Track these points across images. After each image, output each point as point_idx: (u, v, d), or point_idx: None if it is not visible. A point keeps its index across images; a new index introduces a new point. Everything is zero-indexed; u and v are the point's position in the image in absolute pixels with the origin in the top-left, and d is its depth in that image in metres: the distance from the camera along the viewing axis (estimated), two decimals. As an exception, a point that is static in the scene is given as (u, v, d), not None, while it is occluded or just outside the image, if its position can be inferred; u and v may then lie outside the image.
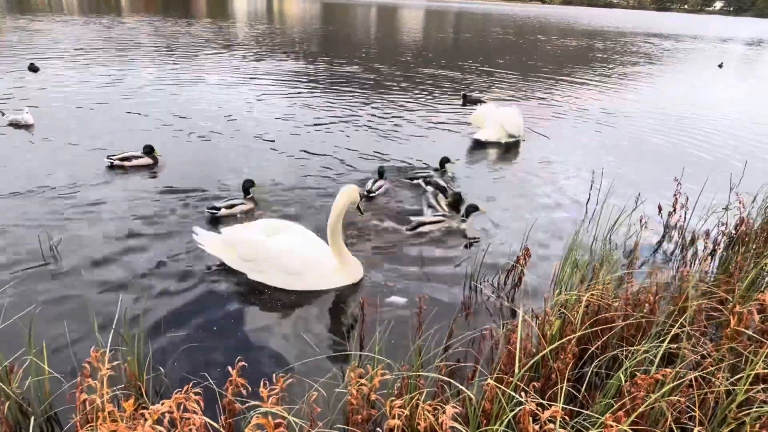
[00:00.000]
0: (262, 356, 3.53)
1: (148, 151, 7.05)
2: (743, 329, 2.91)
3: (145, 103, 10.54)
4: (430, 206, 6.29)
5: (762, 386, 2.61)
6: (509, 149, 9.29)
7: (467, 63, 20.93)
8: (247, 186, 5.95)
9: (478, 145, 9.25)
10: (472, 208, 5.76)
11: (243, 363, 2.53)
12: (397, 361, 3.13)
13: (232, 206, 5.75)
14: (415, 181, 7.00)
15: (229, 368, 2.51)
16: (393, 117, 10.93)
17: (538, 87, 16.40)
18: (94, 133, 8.35)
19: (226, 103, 11.05)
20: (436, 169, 7.58)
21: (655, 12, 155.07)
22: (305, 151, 8.20)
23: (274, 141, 8.66)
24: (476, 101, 11.86)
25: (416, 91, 13.87)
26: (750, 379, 2.57)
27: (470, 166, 8.16)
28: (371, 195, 6.47)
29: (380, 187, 6.61)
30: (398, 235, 5.53)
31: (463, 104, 11.60)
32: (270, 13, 47.79)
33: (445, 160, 7.50)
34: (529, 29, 46.37)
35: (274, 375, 2.51)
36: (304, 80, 14.58)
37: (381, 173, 6.81)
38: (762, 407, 2.46)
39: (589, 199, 6.74)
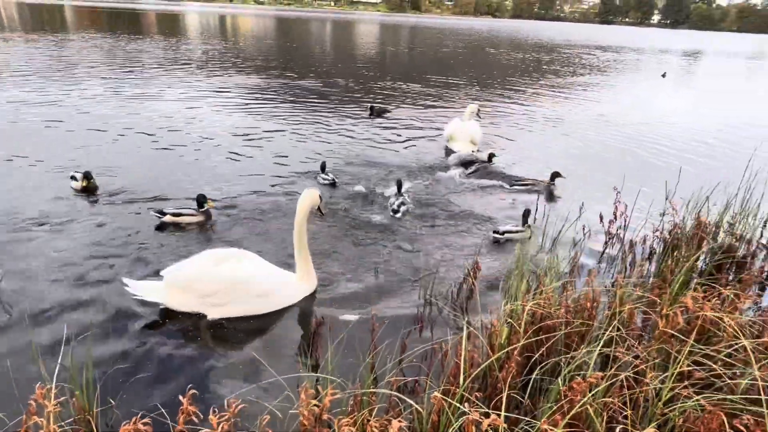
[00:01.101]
0: (216, 383, 3.53)
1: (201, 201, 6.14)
2: (670, 330, 3.15)
3: (98, 119, 10.44)
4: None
5: (686, 383, 2.83)
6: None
7: (424, 75, 21.40)
8: (201, 200, 5.97)
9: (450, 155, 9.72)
10: (557, 174, 7.59)
11: (194, 391, 2.55)
12: (350, 378, 3.20)
13: (178, 215, 5.76)
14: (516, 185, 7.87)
15: (181, 397, 2.53)
16: (346, 129, 11.13)
17: (490, 98, 16.95)
18: (53, 152, 8.21)
19: (181, 119, 11.07)
20: (483, 162, 8.88)
21: (599, 25, 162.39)
22: (261, 165, 8.30)
23: (229, 155, 8.70)
24: (382, 112, 12.27)
25: (378, 101, 14.21)
26: (674, 377, 2.79)
27: (432, 179, 8.44)
28: (396, 215, 6.64)
29: (402, 204, 6.78)
30: (356, 251, 5.63)
31: (370, 115, 11.88)
32: (223, 29, 47.41)
33: (491, 156, 8.98)
34: (481, 43, 47.74)
35: (226, 400, 2.55)
36: (259, 94, 14.64)
37: (399, 185, 7.15)
38: (685, 402, 2.67)
39: (537, 209, 7.02)
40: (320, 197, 4.71)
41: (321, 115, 12.47)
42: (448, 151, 9.91)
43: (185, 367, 3.68)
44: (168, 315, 4.24)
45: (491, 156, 9.10)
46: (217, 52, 25.62)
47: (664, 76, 26.26)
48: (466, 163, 9.00)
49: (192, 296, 4.19)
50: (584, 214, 6.63)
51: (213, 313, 4.23)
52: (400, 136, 11.11)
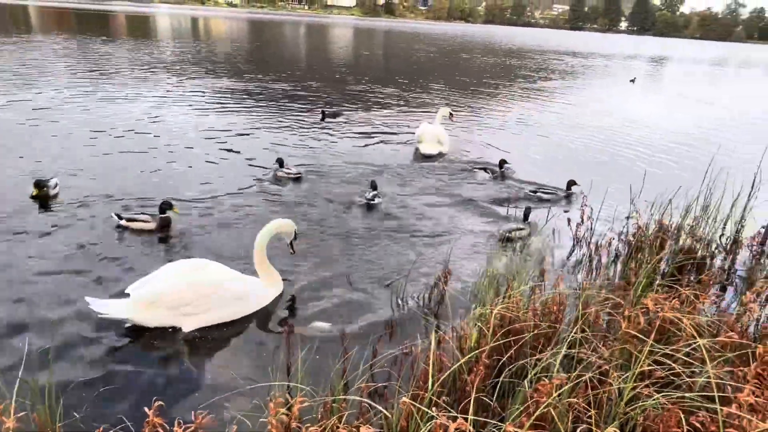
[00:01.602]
0: (183, 394, 3.49)
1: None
2: (632, 331, 3.24)
3: (65, 123, 10.28)
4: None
5: (647, 382, 2.93)
6: (439, 161, 9.90)
7: (397, 79, 21.53)
8: (164, 207, 5.89)
9: (422, 158, 9.97)
10: (572, 182, 7.91)
11: (160, 402, 2.52)
12: (320, 386, 3.21)
13: (132, 220, 5.75)
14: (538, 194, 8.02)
15: (146, 409, 2.49)
16: (319, 131, 11.15)
17: (463, 101, 17.22)
18: (16, 156, 8.05)
19: (150, 122, 10.95)
20: (494, 172, 9.02)
21: (569, 31, 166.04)
22: (230, 169, 8.26)
23: (198, 160, 8.62)
24: (335, 115, 12.41)
25: (349, 106, 14.26)
26: (636, 377, 2.88)
27: (405, 180, 8.55)
28: (371, 203, 7.21)
29: (376, 196, 7.31)
30: (327, 256, 5.63)
31: (322, 119, 11.98)
32: (194, 31, 46.79)
33: (503, 162, 9.07)
34: (454, 47, 48.27)
35: (193, 412, 2.52)
36: (231, 97, 14.57)
37: (374, 186, 7.47)
38: (646, 401, 2.76)
39: (507, 213, 7.15)
40: (295, 232, 4.89)
41: (293, 118, 12.46)
42: (418, 154, 10.12)
43: (152, 379, 3.62)
44: (135, 329, 4.14)
45: (502, 162, 9.10)
46: (189, 55, 25.28)
47: (633, 81, 26.99)
48: (481, 169, 9.21)
49: (163, 310, 4.10)
50: (553, 219, 6.78)
51: (188, 325, 4.16)
52: (372, 138, 11.21)
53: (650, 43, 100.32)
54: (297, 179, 8.00)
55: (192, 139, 10.01)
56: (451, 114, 11.19)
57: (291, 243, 4.94)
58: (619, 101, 20.62)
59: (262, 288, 4.65)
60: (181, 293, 4.11)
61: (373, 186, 7.53)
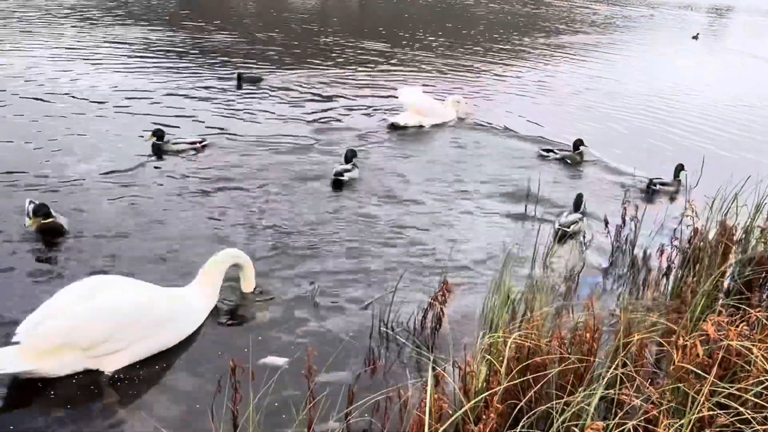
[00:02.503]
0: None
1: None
2: (688, 365, 3.32)
3: None
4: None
5: (707, 431, 3.00)
6: (432, 135, 10.32)
7: (379, 31, 21.58)
8: (43, 211, 5.64)
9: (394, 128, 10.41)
10: (681, 168, 8.29)
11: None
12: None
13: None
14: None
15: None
16: (289, 95, 11.30)
17: (469, 60, 17.51)
18: None
19: (61, 79, 11.26)
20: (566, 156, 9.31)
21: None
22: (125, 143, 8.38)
23: (116, 123, 8.76)
24: (254, 80, 12.64)
25: (320, 65, 14.78)
26: (693, 424, 2.95)
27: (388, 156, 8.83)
28: (340, 179, 7.58)
29: (348, 171, 7.68)
30: (284, 263, 5.65)
31: (239, 86, 12.24)
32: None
33: (579, 143, 9.36)
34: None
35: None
36: (154, 54, 14.68)
37: (348, 158, 7.85)
38: (705, 457, 2.83)
39: (525, 210, 7.22)
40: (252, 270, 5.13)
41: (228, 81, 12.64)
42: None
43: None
44: (27, 384, 3.99)
45: (578, 143, 9.37)
46: (115, 3, 24.98)
47: (695, 38, 27.60)
48: (547, 151, 9.58)
49: (75, 353, 3.99)
50: (586, 218, 6.88)
51: (111, 365, 4.11)
52: (353, 100, 11.56)
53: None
54: (200, 149, 8.27)
55: (92, 102, 10.21)
56: (459, 102, 11.38)
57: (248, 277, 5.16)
58: (676, 64, 21.01)
59: (193, 298, 4.74)
60: (96, 327, 4.04)
61: (348, 157, 7.78)
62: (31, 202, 5.88)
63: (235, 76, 12.49)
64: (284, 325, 4.80)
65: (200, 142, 8.42)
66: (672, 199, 8.13)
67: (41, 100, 10.08)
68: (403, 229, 6.62)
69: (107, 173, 7.37)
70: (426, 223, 6.84)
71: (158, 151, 8.10)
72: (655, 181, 8.32)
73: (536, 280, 5.38)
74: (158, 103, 10.62)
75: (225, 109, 10.63)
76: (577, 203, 6.92)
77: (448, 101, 11.26)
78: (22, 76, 11.40)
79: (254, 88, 12.31)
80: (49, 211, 5.64)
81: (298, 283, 5.41)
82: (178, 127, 9.26)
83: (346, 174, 7.65)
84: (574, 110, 12.72)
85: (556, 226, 6.66)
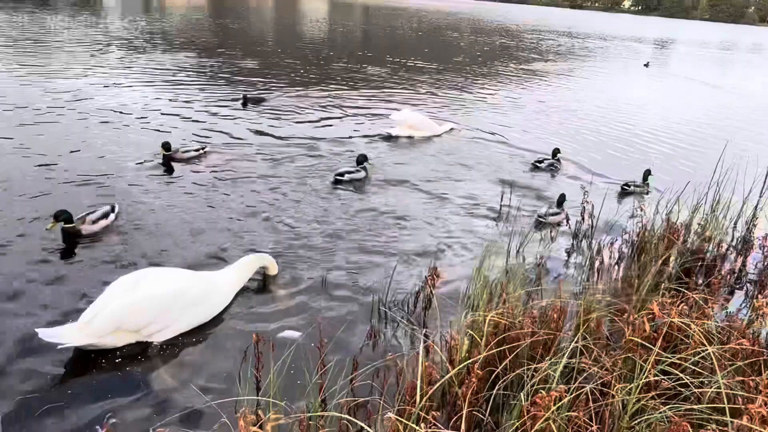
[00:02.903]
0: (140, 411, 3.46)
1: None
2: (637, 338, 3.35)
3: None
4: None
5: (653, 393, 3.03)
6: (426, 145, 10.25)
7: (378, 58, 21.55)
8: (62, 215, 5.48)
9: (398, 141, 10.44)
10: (649, 173, 8.37)
11: (114, 420, 2.52)
12: (295, 401, 3.23)
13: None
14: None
15: (98, 428, 2.49)
16: (294, 116, 11.13)
17: (452, 83, 17.44)
18: None
19: (102, 103, 10.84)
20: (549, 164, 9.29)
21: (569, 9, 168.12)
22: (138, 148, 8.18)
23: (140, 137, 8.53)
24: (258, 101, 12.40)
25: (328, 87, 14.60)
26: (641, 388, 2.97)
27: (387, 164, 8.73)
28: (340, 179, 7.66)
29: (350, 173, 7.75)
30: (298, 255, 5.65)
31: (244, 105, 12.02)
32: (147, 4, 45.98)
33: (557, 151, 9.51)
34: (440, 25, 48.47)
35: (151, 430, 2.52)
36: (185, 75, 14.47)
37: (360, 161, 7.87)
38: (652, 414, 2.85)
39: (501, 208, 7.24)
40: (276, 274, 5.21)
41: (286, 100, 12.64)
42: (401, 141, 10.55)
43: (104, 395, 3.58)
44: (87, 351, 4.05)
45: (556, 152, 9.52)
46: (139, 28, 24.88)
47: (647, 65, 27.62)
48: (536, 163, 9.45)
49: (127, 333, 4.08)
50: (564, 213, 6.90)
51: (157, 338, 4.19)
52: (357, 116, 11.40)
53: (656, 24, 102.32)
54: (203, 155, 8.22)
55: (125, 116, 10.14)
56: (453, 129, 11.45)
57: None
58: (629, 86, 21.06)
59: (222, 280, 4.81)
60: (141, 313, 4.09)
61: (359, 161, 7.85)
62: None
63: (241, 96, 12.27)
64: (299, 306, 4.80)
65: (203, 149, 8.28)
66: (638, 199, 8.13)
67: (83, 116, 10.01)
68: (399, 224, 6.62)
69: (141, 179, 7.33)
70: (420, 218, 6.84)
71: (168, 162, 7.94)
72: (629, 183, 8.34)
73: (511, 267, 5.40)
74: (178, 116, 10.60)
75: (243, 122, 10.63)
76: (560, 201, 7.01)
77: (445, 126, 11.30)
78: (71, 92, 11.37)
79: (265, 105, 12.22)
80: (70, 216, 5.53)
81: (310, 271, 5.42)
82: (197, 136, 9.28)
83: (347, 175, 7.71)
84: (547, 125, 12.74)
85: (537, 216, 6.84)
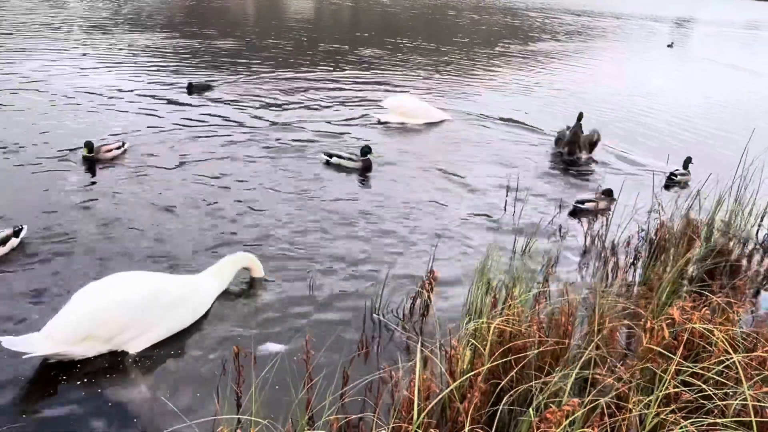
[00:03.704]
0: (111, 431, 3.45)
1: None
2: (655, 346, 3.36)
3: None
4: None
5: (673, 406, 3.03)
6: (421, 133, 10.37)
7: (370, 40, 21.52)
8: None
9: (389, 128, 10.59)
10: (689, 161, 8.77)
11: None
12: (280, 419, 3.22)
13: None
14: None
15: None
16: (283, 96, 11.22)
17: (451, 67, 17.50)
18: None
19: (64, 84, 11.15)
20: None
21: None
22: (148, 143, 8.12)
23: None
24: (204, 89, 12.29)
25: (315, 69, 14.82)
26: (660, 401, 2.98)
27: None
28: (329, 161, 8.12)
29: (340, 157, 8.14)
30: (283, 256, 5.63)
31: (189, 93, 11.93)
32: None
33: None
34: (437, 3, 48.46)
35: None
36: (161, 57, 14.59)
37: (365, 152, 8.16)
38: (672, 429, 2.86)
39: (506, 204, 7.25)
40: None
41: (241, 81, 12.69)
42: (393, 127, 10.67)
43: (70, 412, 3.59)
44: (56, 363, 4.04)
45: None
46: (112, 8, 24.76)
47: (671, 46, 27.83)
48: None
49: (98, 341, 4.07)
50: (563, 211, 6.93)
51: (133, 348, 4.19)
52: (348, 101, 11.63)
53: (677, 1, 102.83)
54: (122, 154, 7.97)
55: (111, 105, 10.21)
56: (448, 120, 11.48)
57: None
58: (650, 69, 21.18)
59: (202, 283, 4.81)
60: (114, 320, 4.08)
61: (364, 152, 8.12)
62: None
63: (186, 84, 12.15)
64: (284, 314, 4.78)
65: (123, 145, 7.98)
66: (683, 188, 8.35)
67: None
68: (394, 221, 6.62)
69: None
70: (416, 215, 6.85)
71: (90, 162, 7.60)
72: (676, 172, 8.55)
73: (516, 269, 5.41)
74: (129, 101, 10.75)
75: (209, 108, 10.60)
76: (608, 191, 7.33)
77: (442, 114, 11.33)
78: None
79: (242, 91, 12.24)
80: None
81: (296, 273, 5.40)
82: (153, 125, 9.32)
83: (334, 158, 8.07)
84: (560, 110, 12.81)
85: (574, 202, 7.25)
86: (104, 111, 10.00)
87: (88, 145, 7.61)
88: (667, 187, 8.37)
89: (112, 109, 10.17)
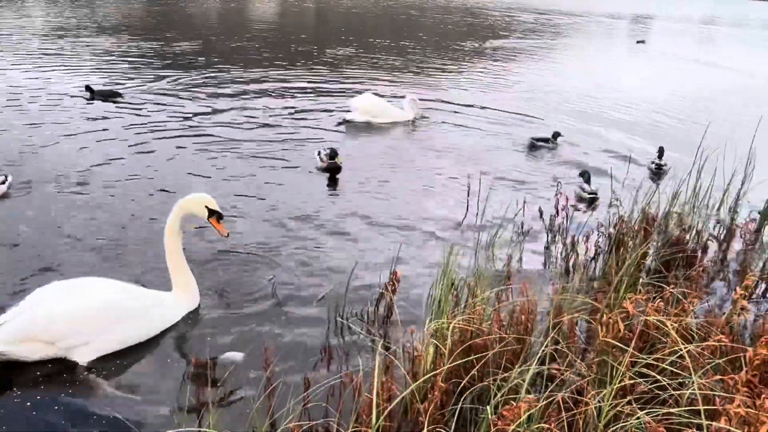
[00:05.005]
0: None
1: None
2: (610, 339, 3.42)
3: None
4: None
5: (629, 398, 3.10)
6: (387, 132, 10.49)
7: (335, 41, 21.49)
8: None
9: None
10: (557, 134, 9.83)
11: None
12: (240, 429, 3.20)
13: None
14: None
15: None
16: (240, 103, 11.17)
17: (417, 66, 17.66)
18: None
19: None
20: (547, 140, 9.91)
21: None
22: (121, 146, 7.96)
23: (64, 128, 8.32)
24: (110, 95, 11.49)
25: (280, 69, 14.91)
26: (616, 393, 3.04)
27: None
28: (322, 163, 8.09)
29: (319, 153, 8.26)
30: (243, 261, 5.60)
31: (90, 99, 11.25)
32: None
33: (557, 134, 9.99)
34: (399, 3, 48.65)
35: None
36: (115, 61, 14.45)
37: (332, 156, 8.08)
38: (627, 421, 2.92)
39: (469, 203, 7.30)
40: (211, 209, 4.69)
41: (198, 87, 12.59)
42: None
43: (14, 419, 3.49)
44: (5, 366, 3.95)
45: (556, 135, 10.03)
46: (71, 14, 24.25)
47: (641, 42, 28.54)
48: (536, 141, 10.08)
49: (40, 345, 4.00)
50: (526, 210, 7.00)
51: (80, 356, 4.10)
52: (313, 101, 11.39)
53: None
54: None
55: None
56: (414, 100, 11.48)
57: (214, 223, 4.73)
58: (614, 67, 21.60)
59: (169, 301, 4.67)
60: (54, 324, 4.00)
61: (331, 155, 8.05)
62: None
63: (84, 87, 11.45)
64: (244, 322, 4.72)
65: (5, 178, 6.75)
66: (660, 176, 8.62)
67: None
68: (354, 222, 6.63)
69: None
70: (380, 215, 6.87)
71: None
72: (660, 162, 8.80)
73: (479, 267, 5.45)
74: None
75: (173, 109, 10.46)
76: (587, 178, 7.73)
77: (406, 100, 11.36)
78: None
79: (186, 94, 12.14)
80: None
81: (255, 277, 5.37)
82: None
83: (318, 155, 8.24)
84: (526, 107, 13.00)
85: (576, 190, 7.64)
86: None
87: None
88: (656, 175, 8.67)
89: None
